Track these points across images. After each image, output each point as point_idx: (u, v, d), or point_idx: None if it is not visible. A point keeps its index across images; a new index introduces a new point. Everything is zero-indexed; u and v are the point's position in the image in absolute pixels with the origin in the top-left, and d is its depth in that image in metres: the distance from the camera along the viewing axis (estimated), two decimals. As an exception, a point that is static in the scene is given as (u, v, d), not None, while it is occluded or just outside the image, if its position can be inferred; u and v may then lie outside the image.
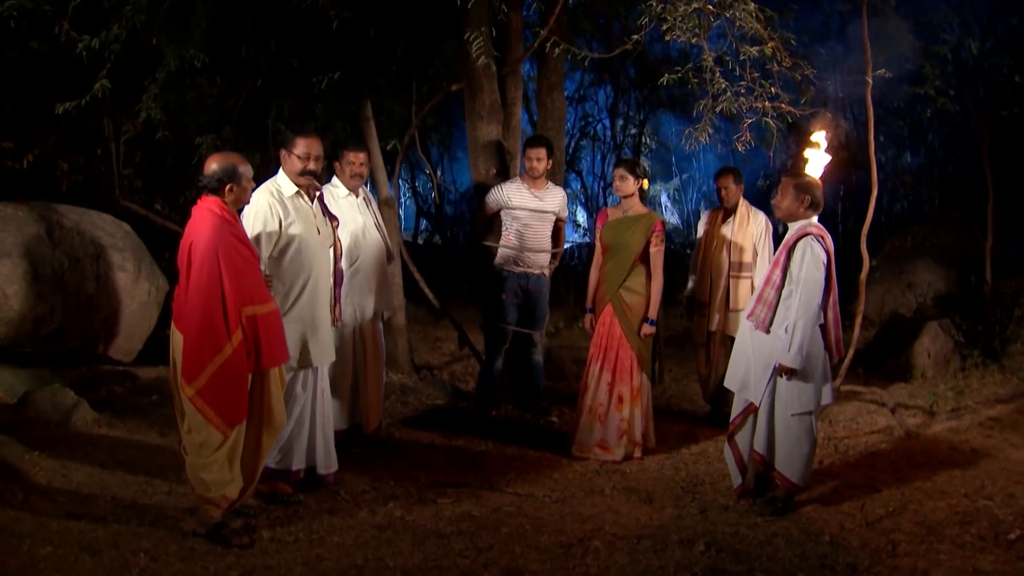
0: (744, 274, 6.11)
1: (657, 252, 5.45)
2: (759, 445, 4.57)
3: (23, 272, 5.81)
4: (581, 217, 16.93)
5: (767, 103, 4.99)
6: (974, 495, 4.76)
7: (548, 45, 5.13)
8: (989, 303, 7.92)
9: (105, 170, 7.90)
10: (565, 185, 9.74)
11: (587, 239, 15.48)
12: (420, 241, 16.82)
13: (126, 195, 8.00)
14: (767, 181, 12.40)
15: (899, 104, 9.25)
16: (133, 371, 6.42)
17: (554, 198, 6.14)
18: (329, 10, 5.73)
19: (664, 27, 4.83)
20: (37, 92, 7.54)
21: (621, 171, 5.49)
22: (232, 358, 3.77)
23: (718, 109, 5.00)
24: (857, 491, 4.84)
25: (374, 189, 7.34)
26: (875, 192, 6.09)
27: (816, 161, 4.66)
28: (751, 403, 4.57)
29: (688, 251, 13.27)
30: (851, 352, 6.28)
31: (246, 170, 3.96)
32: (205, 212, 3.84)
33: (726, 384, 4.74)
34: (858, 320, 6.16)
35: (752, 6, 4.76)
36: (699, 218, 6.53)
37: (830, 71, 10.99)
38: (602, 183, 15.37)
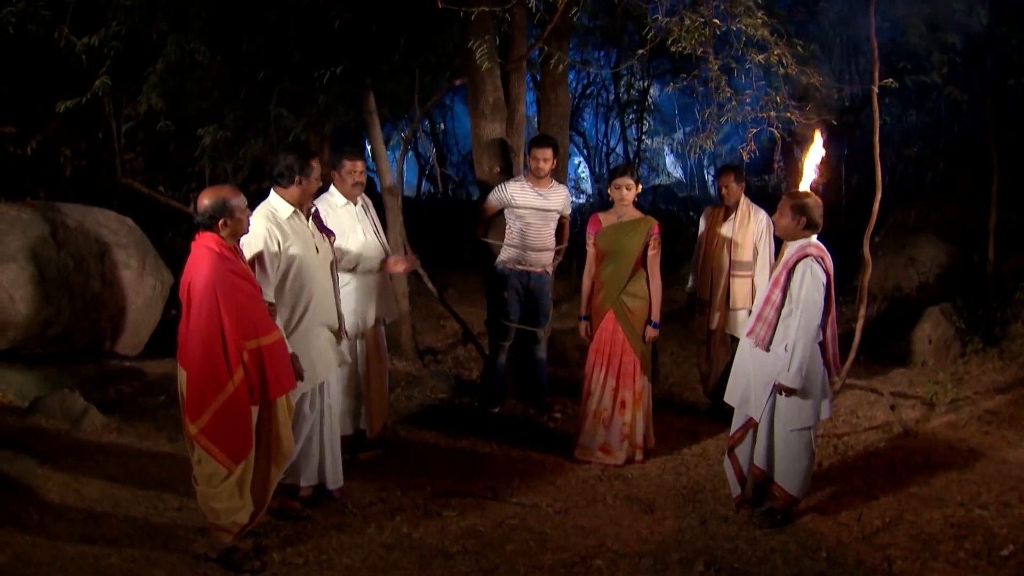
0: (744, 273, 6.10)
1: (654, 256, 5.45)
2: (759, 460, 4.64)
3: (29, 275, 5.85)
4: (584, 175, 16.82)
5: (772, 113, 4.95)
6: (970, 503, 4.83)
7: (552, 61, 5.06)
8: (990, 286, 7.92)
9: (107, 155, 7.86)
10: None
11: (589, 203, 15.42)
12: (423, 196, 16.76)
13: (128, 176, 7.97)
14: (772, 144, 12.25)
15: (904, 65, 9.09)
16: (140, 367, 6.49)
17: (558, 196, 6.12)
18: (331, 10, 5.65)
19: (670, 39, 4.78)
20: (37, 76, 7.48)
21: (628, 180, 5.41)
22: (234, 396, 3.80)
23: (723, 120, 4.97)
24: (855, 499, 4.92)
25: (377, 178, 7.32)
26: (879, 195, 6.04)
27: (807, 177, 4.63)
28: (751, 418, 4.63)
29: (691, 213, 13.24)
30: (851, 356, 6.32)
31: (239, 202, 3.91)
32: (203, 250, 3.82)
33: (726, 399, 4.79)
34: (859, 324, 6.17)
35: (759, 18, 4.70)
36: (701, 173, 6.51)
37: (833, 26, 10.80)
38: (605, 146, 15.25)
